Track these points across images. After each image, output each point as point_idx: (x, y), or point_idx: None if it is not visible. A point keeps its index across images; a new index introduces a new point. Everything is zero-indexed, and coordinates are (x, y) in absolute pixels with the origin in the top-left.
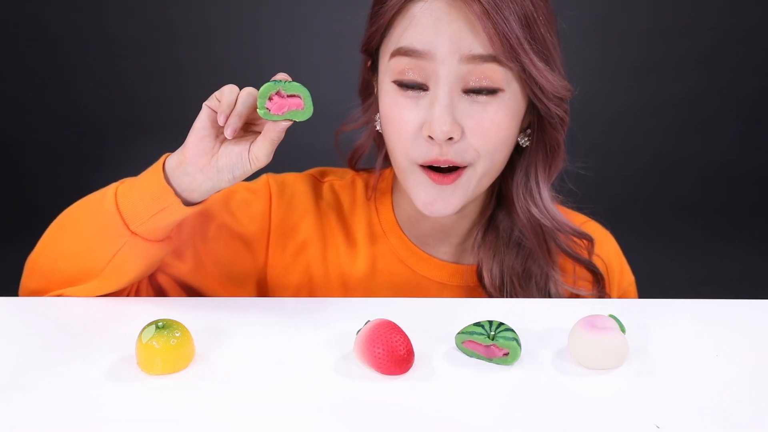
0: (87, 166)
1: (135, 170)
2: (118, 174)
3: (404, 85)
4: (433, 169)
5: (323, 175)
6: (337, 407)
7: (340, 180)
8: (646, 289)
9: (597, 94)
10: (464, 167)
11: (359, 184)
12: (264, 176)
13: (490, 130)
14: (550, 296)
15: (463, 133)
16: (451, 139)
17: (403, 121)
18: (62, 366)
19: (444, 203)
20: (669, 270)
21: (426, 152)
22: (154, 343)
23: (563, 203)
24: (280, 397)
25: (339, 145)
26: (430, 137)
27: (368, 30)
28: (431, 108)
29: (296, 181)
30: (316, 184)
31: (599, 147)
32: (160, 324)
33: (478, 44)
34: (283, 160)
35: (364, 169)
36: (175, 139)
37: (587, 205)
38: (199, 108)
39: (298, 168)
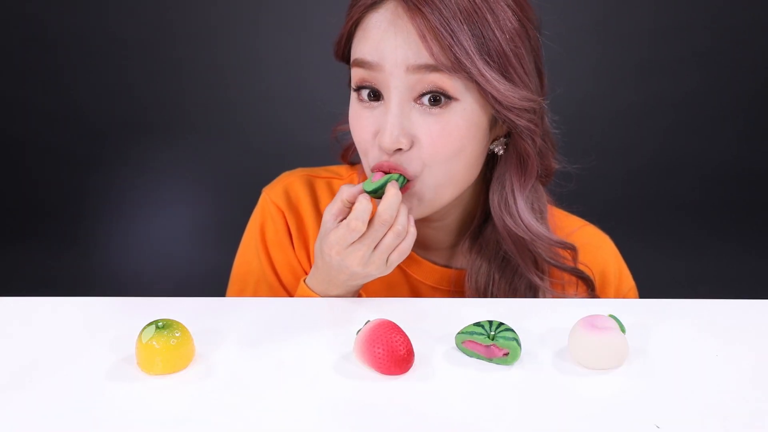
0: (87, 166)
1: (135, 170)
2: (118, 174)
3: (363, 94)
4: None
5: (316, 172)
6: (337, 407)
7: (339, 179)
8: (646, 289)
9: (597, 95)
10: (412, 179)
11: (357, 183)
12: (264, 195)
13: (439, 140)
14: None
15: (412, 144)
16: (400, 149)
17: (361, 128)
18: (62, 366)
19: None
20: (669, 270)
21: (377, 157)
22: (154, 343)
23: (561, 205)
24: (280, 397)
25: (335, 142)
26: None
27: (337, 37)
28: (383, 118)
29: (293, 187)
30: (312, 183)
31: (599, 147)
32: (160, 324)
33: (420, 55)
34: (282, 158)
35: (358, 162)
36: (174, 139)
37: (587, 204)
38: (199, 108)
39: (298, 166)
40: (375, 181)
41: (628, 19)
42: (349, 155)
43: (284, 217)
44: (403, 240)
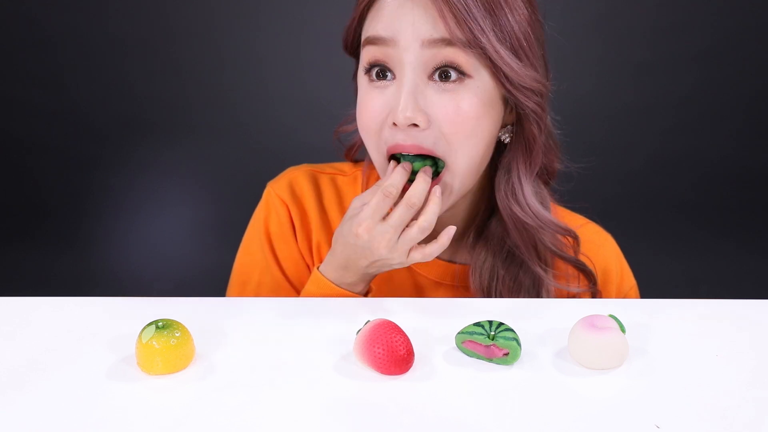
0: (87, 166)
1: (135, 170)
2: (118, 174)
3: (373, 74)
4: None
5: (321, 167)
6: (337, 407)
7: (343, 175)
8: (646, 289)
9: (597, 93)
10: (439, 173)
11: (360, 180)
12: (268, 188)
13: (457, 117)
14: None
15: (430, 122)
16: (416, 126)
17: (372, 111)
18: (62, 366)
19: None
20: (669, 270)
21: (390, 139)
22: (154, 343)
23: (561, 203)
24: (280, 397)
25: (337, 143)
26: (395, 124)
27: (347, 24)
28: (396, 95)
29: (297, 181)
30: (316, 178)
31: (599, 146)
32: (160, 324)
33: (437, 29)
34: (282, 159)
35: (362, 160)
36: (175, 139)
37: (587, 203)
38: (199, 108)
39: (296, 165)
40: (410, 156)
41: (628, 18)
42: (353, 153)
43: (288, 210)
44: (426, 244)
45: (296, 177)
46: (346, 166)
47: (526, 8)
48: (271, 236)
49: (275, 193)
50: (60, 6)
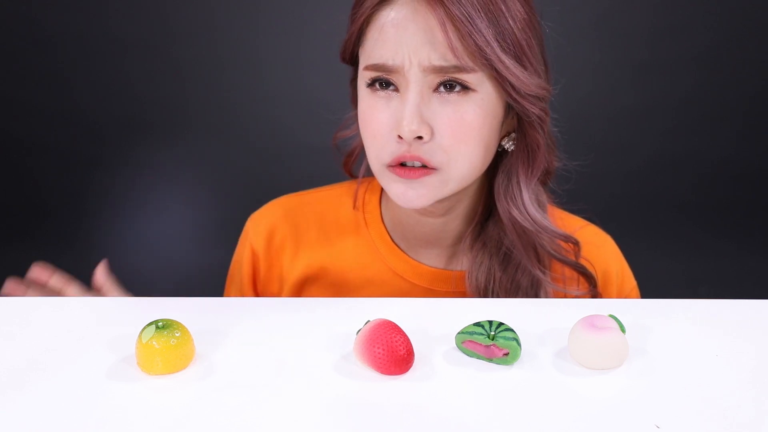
0: (87, 166)
1: (135, 170)
2: (118, 174)
3: (377, 86)
4: (401, 165)
5: (304, 199)
6: (337, 407)
7: (327, 201)
8: (646, 289)
9: (597, 94)
10: (433, 169)
11: (347, 197)
12: (248, 229)
13: (459, 129)
14: None
15: (432, 133)
16: (420, 138)
17: (377, 122)
18: (62, 366)
19: (415, 193)
20: (669, 270)
21: (395, 151)
22: (154, 343)
23: (561, 204)
24: (280, 397)
25: (336, 149)
26: (400, 137)
27: (344, 38)
28: (401, 108)
29: (278, 230)
30: (295, 215)
31: (599, 146)
32: (160, 324)
33: (438, 56)
34: (282, 158)
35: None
36: (175, 139)
37: (586, 204)
38: (199, 108)
39: (299, 166)
40: None
41: (628, 18)
42: (350, 164)
43: (259, 260)
44: None
45: (277, 226)
46: (333, 193)
47: (525, 10)
48: (243, 278)
49: (250, 243)
50: (60, 6)
